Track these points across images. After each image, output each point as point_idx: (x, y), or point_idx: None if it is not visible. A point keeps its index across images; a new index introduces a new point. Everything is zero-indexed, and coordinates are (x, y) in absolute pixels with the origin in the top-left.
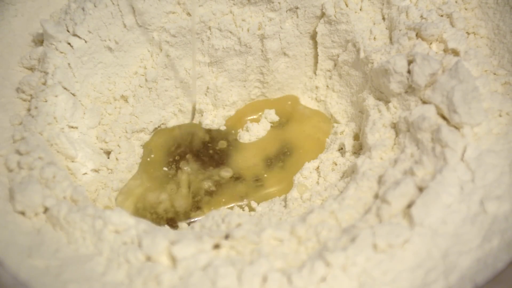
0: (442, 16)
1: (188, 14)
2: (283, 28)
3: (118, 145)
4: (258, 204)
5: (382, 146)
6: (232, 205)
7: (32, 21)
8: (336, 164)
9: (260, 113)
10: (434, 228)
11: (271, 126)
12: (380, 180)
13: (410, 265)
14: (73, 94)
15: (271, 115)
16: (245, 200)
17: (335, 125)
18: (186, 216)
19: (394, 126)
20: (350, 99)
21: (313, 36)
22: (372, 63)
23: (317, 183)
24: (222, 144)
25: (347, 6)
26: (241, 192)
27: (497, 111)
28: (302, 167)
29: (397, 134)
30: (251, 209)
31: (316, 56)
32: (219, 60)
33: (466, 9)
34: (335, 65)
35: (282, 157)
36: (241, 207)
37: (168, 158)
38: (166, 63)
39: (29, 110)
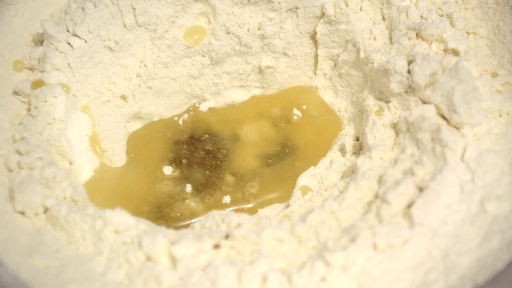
0: (442, 16)
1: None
2: (283, 28)
3: (118, 145)
4: (259, 205)
5: (382, 146)
6: (232, 208)
7: (32, 21)
8: (336, 164)
9: (262, 111)
10: (434, 228)
11: (274, 125)
12: (380, 180)
13: (410, 265)
14: (73, 94)
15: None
16: (245, 201)
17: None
18: (184, 216)
19: (394, 126)
20: (350, 99)
21: (313, 36)
22: (372, 63)
23: (317, 183)
24: (222, 143)
25: (347, 6)
26: (241, 193)
27: (497, 111)
28: (303, 167)
29: (397, 134)
30: (252, 211)
31: (316, 56)
32: (219, 60)
33: (466, 9)
34: (335, 65)
35: (282, 157)
36: (241, 209)
37: (166, 157)
38: (166, 63)
39: (29, 110)
